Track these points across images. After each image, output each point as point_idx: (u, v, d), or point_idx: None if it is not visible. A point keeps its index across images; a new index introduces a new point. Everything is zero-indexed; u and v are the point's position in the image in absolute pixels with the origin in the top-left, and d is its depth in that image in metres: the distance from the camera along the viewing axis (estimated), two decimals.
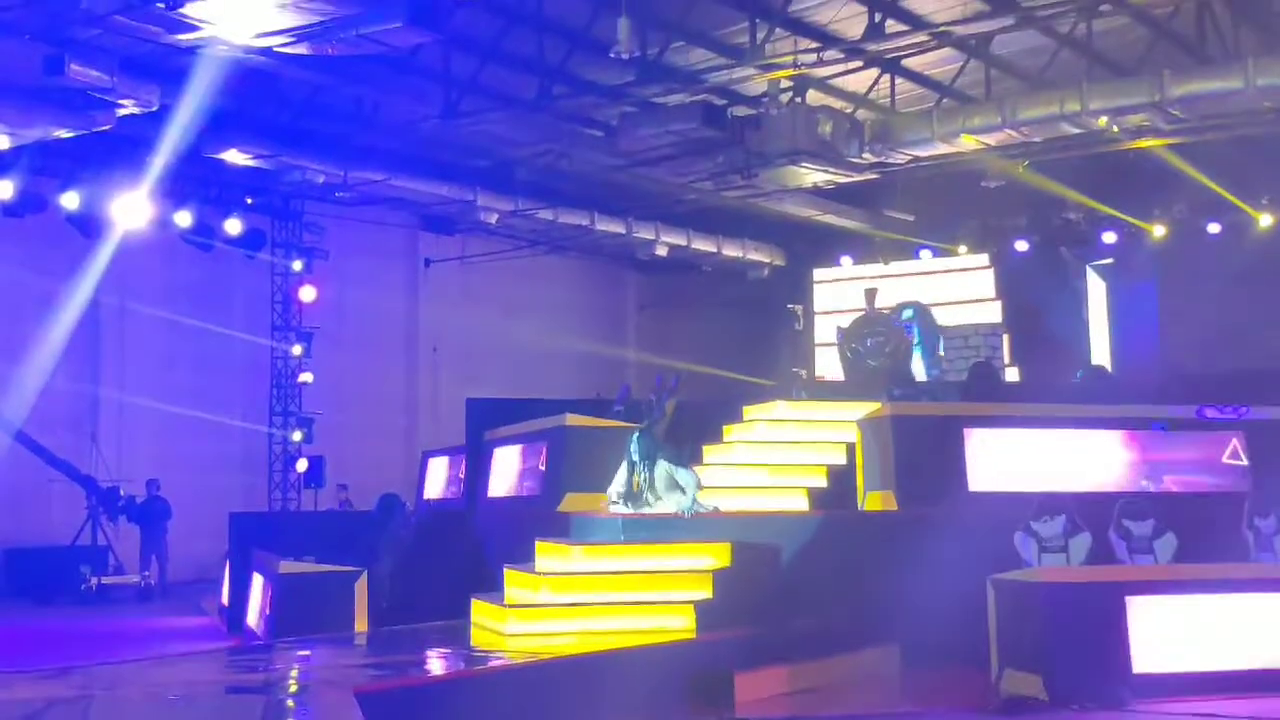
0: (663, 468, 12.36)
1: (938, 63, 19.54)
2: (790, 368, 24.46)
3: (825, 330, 24.62)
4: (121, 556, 21.50)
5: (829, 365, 22.98)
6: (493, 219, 23.84)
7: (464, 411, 17.93)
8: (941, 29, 16.79)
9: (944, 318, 22.48)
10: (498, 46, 18.25)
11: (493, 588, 12.62)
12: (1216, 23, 17.14)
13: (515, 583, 12.12)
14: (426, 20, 14.71)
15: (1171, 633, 10.61)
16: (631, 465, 12.44)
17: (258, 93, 18.08)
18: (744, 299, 28.59)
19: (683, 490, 12.28)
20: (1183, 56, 17.63)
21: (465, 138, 20.24)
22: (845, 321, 20.27)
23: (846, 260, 27.42)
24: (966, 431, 13.27)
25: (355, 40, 14.72)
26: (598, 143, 20.94)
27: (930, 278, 25.38)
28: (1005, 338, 24.00)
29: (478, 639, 11.57)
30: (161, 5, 13.48)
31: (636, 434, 12.52)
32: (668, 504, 12.28)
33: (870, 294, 19.95)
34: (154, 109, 16.45)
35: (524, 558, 12.51)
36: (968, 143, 18.63)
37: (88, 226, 20.27)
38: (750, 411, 15.90)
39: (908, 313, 19.89)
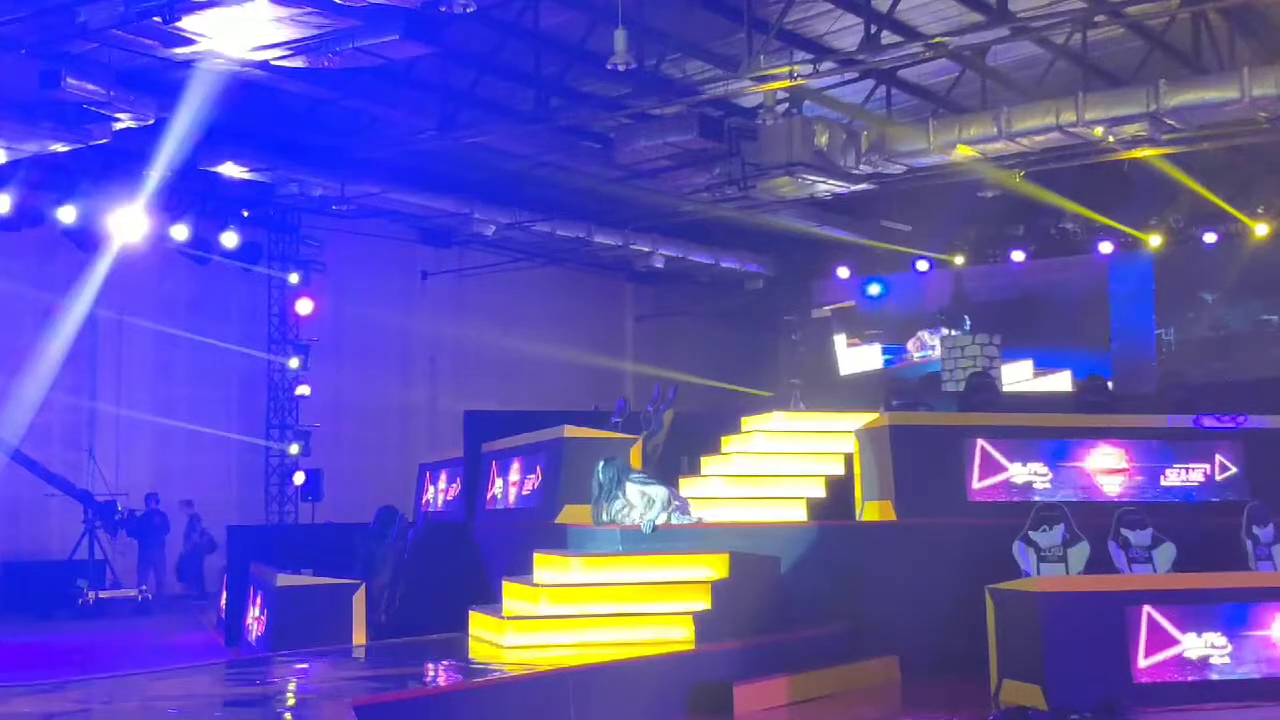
0: (633, 490, 12.36)
1: (933, 73, 19.59)
2: (788, 378, 24.50)
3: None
4: (119, 570, 21.48)
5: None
6: (490, 231, 23.85)
7: (462, 423, 17.93)
8: (937, 40, 16.82)
9: None
10: (494, 59, 18.28)
11: (491, 600, 12.61)
12: (1212, 33, 17.18)
13: (514, 595, 12.10)
14: (423, 33, 14.73)
15: (1171, 641, 10.62)
16: (598, 488, 12.46)
17: (254, 106, 18.10)
18: (741, 310, 28.63)
19: (651, 504, 12.28)
20: (1178, 67, 17.67)
21: (462, 150, 20.25)
22: None
23: (843, 270, 27.48)
24: (965, 441, 13.27)
25: (352, 53, 14.74)
26: (595, 155, 20.97)
27: None
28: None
29: (476, 651, 11.55)
30: (158, 19, 13.48)
31: (602, 463, 12.54)
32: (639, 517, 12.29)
33: None
34: (150, 122, 16.47)
35: (522, 570, 12.50)
36: (964, 153, 18.65)
37: (84, 240, 20.27)
38: (748, 422, 15.89)
39: None
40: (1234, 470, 13.78)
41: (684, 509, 12.53)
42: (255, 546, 16.78)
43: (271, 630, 13.50)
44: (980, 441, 13.28)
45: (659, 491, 12.37)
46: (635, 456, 13.75)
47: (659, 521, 12.20)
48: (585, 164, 21.32)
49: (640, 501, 12.28)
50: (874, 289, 27.28)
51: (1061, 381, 22.26)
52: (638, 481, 12.41)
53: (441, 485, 18.69)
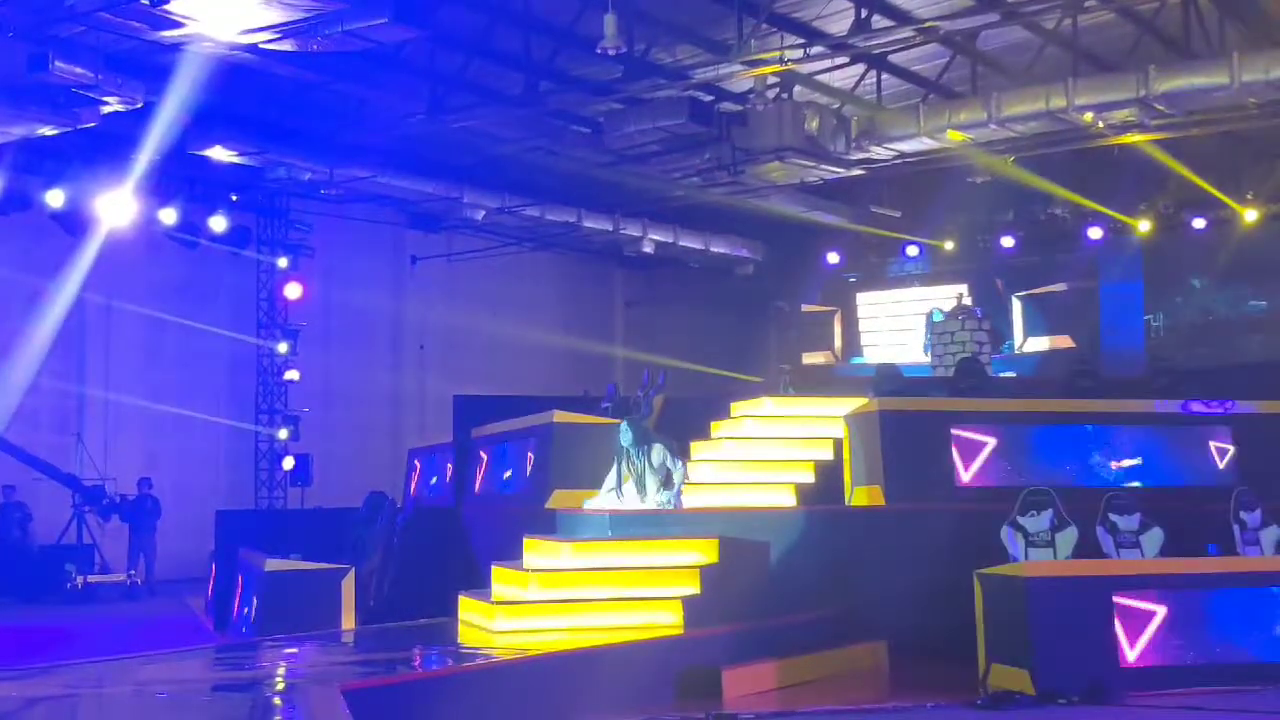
0: (659, 455, 12.34)
1: (924, 58, 19.54)
2: (778, 364, 24.51)
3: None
4: (108, 555, 21.46)
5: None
6: (479, 216, 23.80)
7: (451, 408, 17.90)
8: (927, 24, 16.79)
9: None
10: (484, 43, 18.21)
11: (480, 585, 12.61)
12: (1202, 19, 17.16)
13: (503, 579, 12.11)
14: (412, 16, 14.68)
15: (1157, 626, 10.66)
16: (621, 453, 12.43)
17: (243, 89, 18.00)
18: (731, 295, 28.60)
19: (670, 481, 12.30)
20: (1168, 52, 17.66)
21: (451, 135, 20.18)
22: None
23: (833, 256, 27.47)
24: (954, 426, 13.29)
25: (340, 37, 14.67)
26: (584, 139, 20.91)
27: None
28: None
29: (465, 636, 11.57)
30: (146, 1, 13.41)
31: (625, 421, 12.54)
32: (657, 497, 12.28)
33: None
34: (139, 106, 16.38)
35: (512, 555, 12.51)
36: (954, 138, 18.64)
37: (72, 224, 20.18)
38: (738, 408, 15.89)
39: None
40: (1221, 455, 13.83)
41: (677, 497, 12.54)
42: (244, 531, 16.79)
43: (260, 615, 13.50)
44: (969, 426, 13.31)
45: (681, 471, 12.44)
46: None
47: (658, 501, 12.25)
48: (575, 148, 21.26)
49: (655, 474, 12.29)
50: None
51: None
52: (667, 448, 12.43)
53: (431, 470, 18.69)
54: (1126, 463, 13.55)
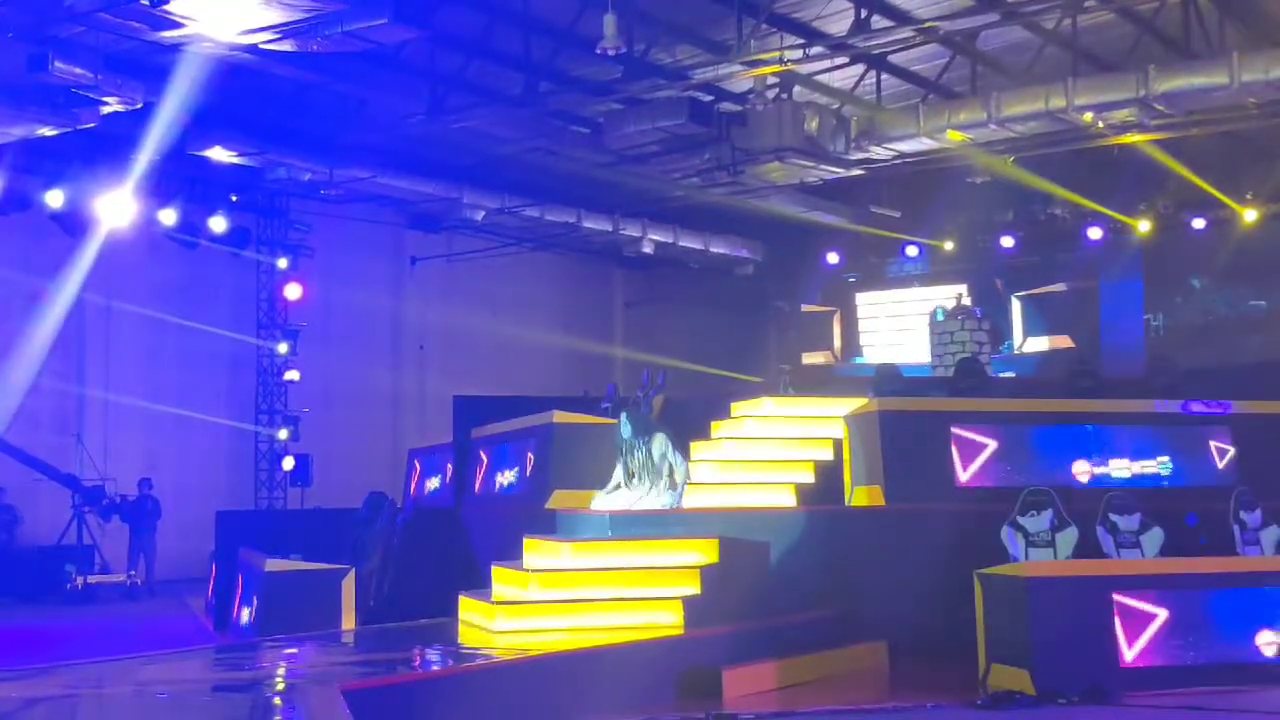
0: (659, 446, 12.32)
1: (924, 58, 19.55)
2: (778, 364, 24.51)
3: None
4: (108, 555, 21.46)
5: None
6: (479, 216, 23.81)
7: (451, 409, 17.87)
8: (927, 24, 16.79)
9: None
10: (483, 43, 18.22)
11: (481, 585, 12.61)
12: (1202, 19, 17.17)
13: (503, 580, 12.11)
14: (412, 17, 14.70)
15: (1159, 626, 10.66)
16: (623, 447, 12.40)
17: (243, 90, 18.01)
18: (731, 295, 28.61)
19: (673, 479, 12.29)
20: (1168, 52, 17.67)
21: (451, 135, 20.19)
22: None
23: (833, 256, 27.48)
24: (954, 427, 13.29)
25: (340, 37, 14.67)
26: (584, 140, 20.92)
27: None
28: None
29: (465, 636, 11.57)
30: (145, 2, 13.41)
31: (624, 413, 12.53)
32: (657, 494, 12.27)
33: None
34: (138, 106, 16.39)
35: (512, 555, 12.51)
36: (954, 138, 18.65)
37: (72, 225, 20.19)
38: (738, 408, 15.89)
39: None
40: (1221, 455, 13.83)
41: (680, 496, 12.53)
42: (244, 532, 16.79)
43: (260, 615, 13.50)
44: (969, 426, 13.30)
45: (683, 470, 12.44)
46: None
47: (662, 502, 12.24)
48: (575, 149, 21.26)
49: (655, 467, 12.27)
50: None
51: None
52: (671, 441, 12.42)
53: (431, 470, 18.70)
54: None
